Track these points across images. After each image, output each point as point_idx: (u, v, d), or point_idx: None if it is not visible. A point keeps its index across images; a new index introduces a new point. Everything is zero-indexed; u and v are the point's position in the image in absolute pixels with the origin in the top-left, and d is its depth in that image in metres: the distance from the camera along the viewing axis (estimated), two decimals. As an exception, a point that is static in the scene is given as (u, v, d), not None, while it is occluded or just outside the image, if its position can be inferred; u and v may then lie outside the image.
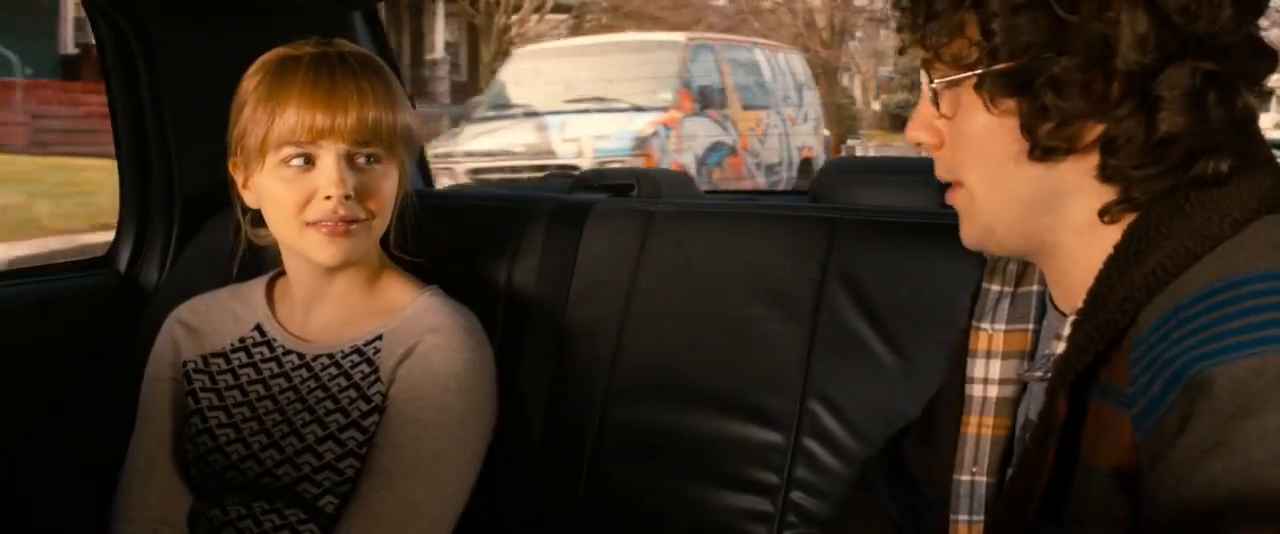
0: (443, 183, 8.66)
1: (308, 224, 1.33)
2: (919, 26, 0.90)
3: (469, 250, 1.66)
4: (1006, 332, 1.03)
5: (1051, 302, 0.98)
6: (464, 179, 8.14)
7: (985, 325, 1.04)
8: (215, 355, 1.46)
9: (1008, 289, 1.04)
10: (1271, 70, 0.86)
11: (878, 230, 1.52)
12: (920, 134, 0.96)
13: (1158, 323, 0.80)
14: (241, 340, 1.46)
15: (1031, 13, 0.83)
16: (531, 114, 8.95)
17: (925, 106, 0.95)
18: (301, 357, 1.41)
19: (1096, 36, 0.82)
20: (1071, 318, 0.90)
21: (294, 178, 1.32)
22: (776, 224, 1.59)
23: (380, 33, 2.13)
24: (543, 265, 1.63)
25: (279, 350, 1.43)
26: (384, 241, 1.44)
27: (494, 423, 1.41)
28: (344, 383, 1.38)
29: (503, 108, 9.35)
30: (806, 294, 1.50)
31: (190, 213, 1.86)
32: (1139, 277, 0.82)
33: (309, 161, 1.32)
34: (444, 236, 1.57)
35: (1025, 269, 1.03)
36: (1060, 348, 0.91)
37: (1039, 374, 0.97)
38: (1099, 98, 0.83)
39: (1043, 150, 0.86)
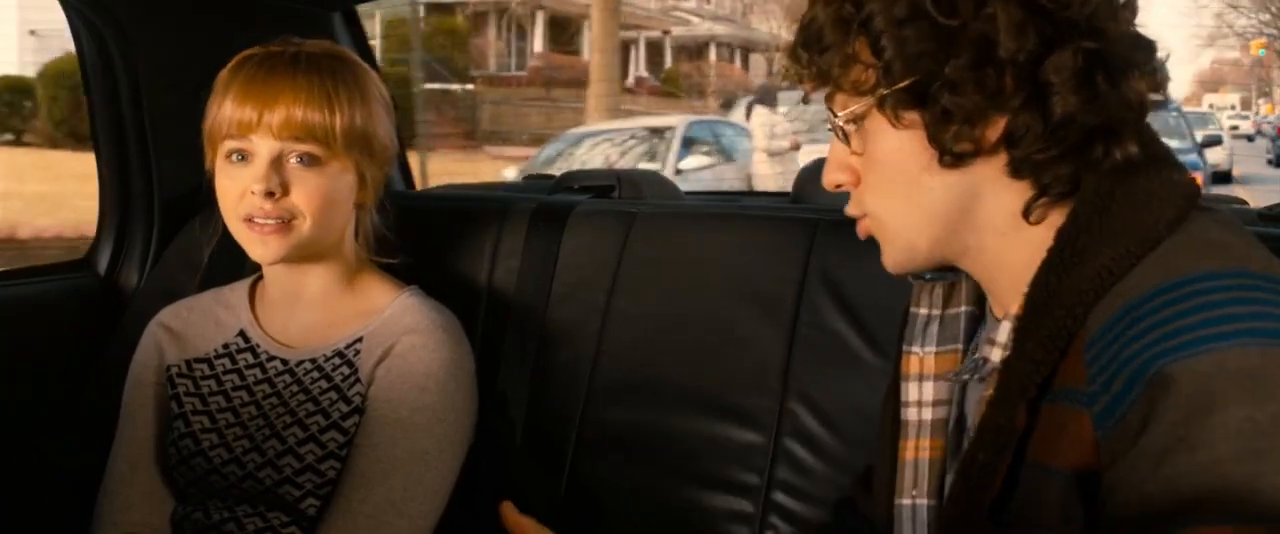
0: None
1: (243, 220, 1.34)
2: (814, 63, 0.92)
3: (450, 251, 1.66)
4: (937, 353, 1.04)
5: (989, 309, 0.99)
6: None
7: (915, 349, 1.05)
8: (199, 360, 1.45)
9: (936, 312, 1.05)
10: (1151, 60, 0.88)
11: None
12: (837, 175, 0.97)
13: (1109, 323, 0.81)
14: (225, 346, 1.45)
15: (915, 24, 0.85)
16: None
17: (836, 147, 0.96)
18: (285, 362, 1.41)
19: (979, 35, 0.84)
20: (1009, 323, 0.90)
21: (233, 172, 1.34)
22: (757, 225, 1.59)
23: (360, 34, 2.12)
24: (524, 266, 1.64)
25: (263, 356, 1.43)
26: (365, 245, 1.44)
27: (474, 422, 1.41)
28: (325, 385, 1.38)
29: None
30: (787, 295, 1.50)
31: (170, 215, 1.85)
32: (1083, 279, 0.83)
33: (244, 157, 1.33)
34: (425, 237, 1.57)
35: (952, 291, 1.04)
36: (994, 352, 0.92)
37: (966, 377, 0.98)
38: (994, 92, 0.85)
39: (952, 156, 0.88)
